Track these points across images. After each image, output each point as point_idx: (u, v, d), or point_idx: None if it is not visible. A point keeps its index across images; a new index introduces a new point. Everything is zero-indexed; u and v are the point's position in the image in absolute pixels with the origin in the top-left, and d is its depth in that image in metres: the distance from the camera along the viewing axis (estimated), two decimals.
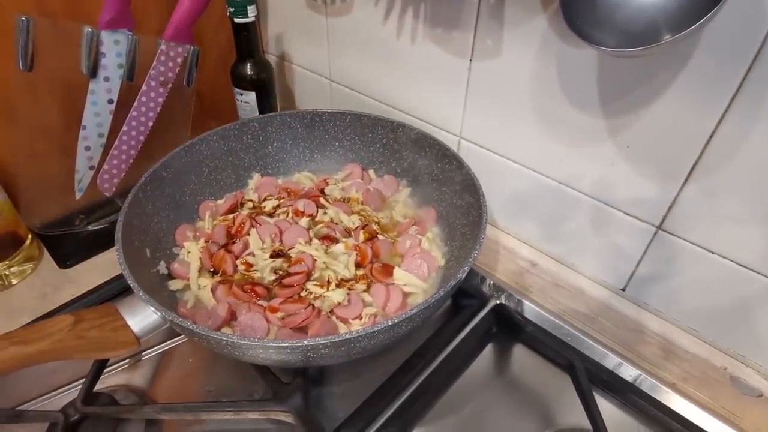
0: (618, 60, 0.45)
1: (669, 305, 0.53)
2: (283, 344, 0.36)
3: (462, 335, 0.55)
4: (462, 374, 0.53)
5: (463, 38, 0.55)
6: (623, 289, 0.57)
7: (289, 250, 0.54)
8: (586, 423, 0.47)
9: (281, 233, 0.55)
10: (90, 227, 0.69)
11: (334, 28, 0.69)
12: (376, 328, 0.37)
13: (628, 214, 0.52)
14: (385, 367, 0.51)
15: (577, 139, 0.52)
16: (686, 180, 0.46)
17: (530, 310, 0.57)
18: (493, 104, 0.57)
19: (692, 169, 0.45)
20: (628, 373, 0.51)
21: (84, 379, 0.45)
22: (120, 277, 0.60)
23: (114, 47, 0.60)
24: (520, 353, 0.55)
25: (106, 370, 0.48)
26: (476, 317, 0.56)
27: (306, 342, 0.35)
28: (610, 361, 0.52)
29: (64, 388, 0.48)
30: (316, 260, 0.52)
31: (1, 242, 0.58)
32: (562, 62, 0.49)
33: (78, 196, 0.66)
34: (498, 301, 0.58)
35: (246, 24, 0.67)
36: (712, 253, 0.47)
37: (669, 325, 0.53)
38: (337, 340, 0.36)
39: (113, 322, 0.37)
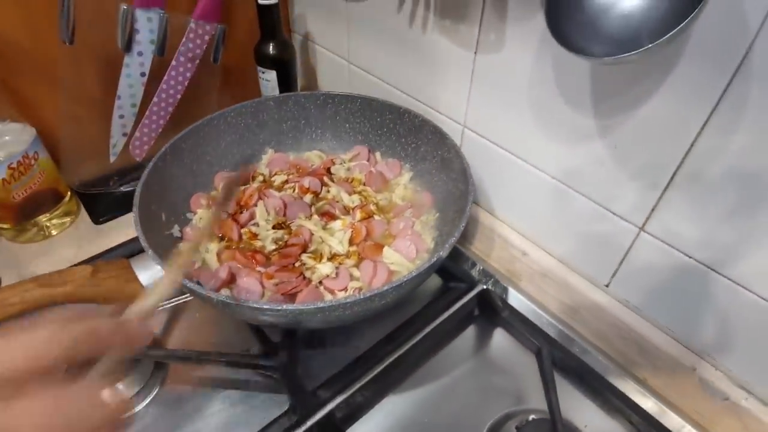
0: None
1: (647, 304, 0.55)
2: (264, 306, 0.40)
3: (445, 315, 0.58)
4: (441, 351, 0.57)
5: (469, 31, 0.57)
6: (607, 285, 0.58)
7: (290, 223, 0.59)
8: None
9: (285, 207, 0.60)
10: (122, 188, 0.77)
11: (353, 11, 0.72)
12: (348, 300, 0.41)
13: (614, 214, 0.53)
14: (373, 337, 0.55)
15: (571, 137, 0.53)
16: (668, 184, 0.47)
17: (514, 297, 0.60)
18: (495, 97, 0.59)
19: (674, 174, 0.46)
20: (597, 363, 0.53)
21: None
22: None
23: (147, 24, 0.65)
24: (499, 337, 0.59)
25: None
26: (461, 300, 0.60)
27: (285, 306, 0.40)
28: (581, 351, 0.54)
29: None
30: (312, 234, 0.56)
31: (43, 197, 0.66)
32: (558, 62, 0.50)
33: (112, 159, 0.73)
34: (484, 287, 0.61)
35: (269, 6, 0.70)
36: (689, 257, 0.48)
37: (645, 323, 0.55)
38: (312, 307, 0.40)
39: (126, 275, 0.43)
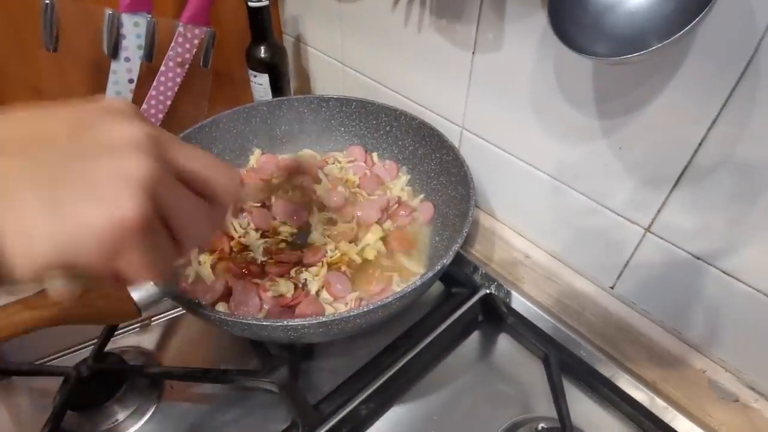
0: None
1: (654, 306, 0.54)
2: (264, 323, 0.39)
3: (449, 321, 0.57)
4: (445, 358, 0.56)
5: (466, 30, 0.56)
6: (612, 287, 0.57)
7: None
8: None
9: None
10: None
11: (346, 12, 0.70)
12: (351, 313, 0.39)
13: (618, 215, 0.52)
14: (375, 346, 0.54)
15: (573, 137, 0.52)
16: (675, 184, 0.46)
17: (517, 301, 0.59)
18: (494, 98, 0.57)
19: (681, 174, 0.45)
20: (605, 368, 0.52)
21: (96, 340, 0.50)
22: None
23: (134, 29, 0.63)
24: (504, 343, 0.57)
25: (117, 333, 0.53)
26: (465, 305, 0.58)
27: (286, 322, 0.38)
28: (588, 355, 0.53)
29: (78, 347, 0.54)
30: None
31: None
32: (560, 60, 0.48)
33: None
34: (487, 291, 0.60)
35: (260, 8, 0.68)
36: (696, 258, 0.47)
37: (653, 325, 0.54)
38: (314, 322, 0.39)
39: (118, 294, 0.41)
